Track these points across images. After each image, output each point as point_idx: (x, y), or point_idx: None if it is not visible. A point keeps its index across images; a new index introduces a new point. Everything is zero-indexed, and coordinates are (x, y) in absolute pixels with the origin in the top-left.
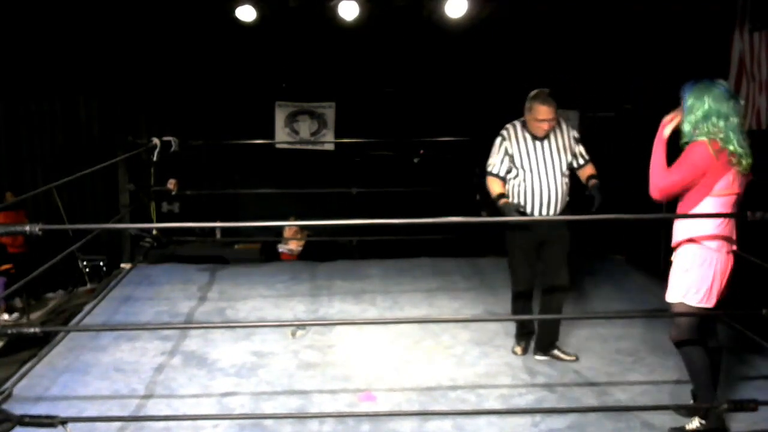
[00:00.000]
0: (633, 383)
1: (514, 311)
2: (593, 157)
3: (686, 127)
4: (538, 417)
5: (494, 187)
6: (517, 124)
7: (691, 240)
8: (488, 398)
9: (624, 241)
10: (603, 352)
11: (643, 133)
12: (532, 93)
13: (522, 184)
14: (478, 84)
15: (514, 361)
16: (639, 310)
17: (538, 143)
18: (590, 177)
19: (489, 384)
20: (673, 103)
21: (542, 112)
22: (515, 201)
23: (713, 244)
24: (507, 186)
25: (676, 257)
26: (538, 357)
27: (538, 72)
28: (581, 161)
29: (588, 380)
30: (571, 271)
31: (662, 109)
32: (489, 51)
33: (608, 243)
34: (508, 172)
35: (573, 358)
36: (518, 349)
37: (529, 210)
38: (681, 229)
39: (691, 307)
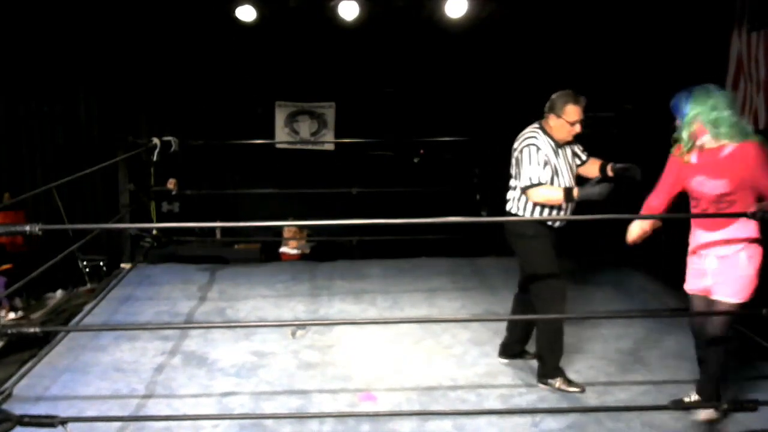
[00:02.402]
0: (633, 383)
1: (560, 326)
2: (594, 156)
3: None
4: (538, 417)
5: (549, 191)
6: (536, 131)
7: (754, 239)
8: (488, 398)
9: (623, 242)
10: (603, 352)
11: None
12: (561, 93)
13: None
14: (478, 84)
15: (514, 361)
16: (639, 310)
17: (560, 150)
18: (604, 164)
19: (489, 384)
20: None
21: (576, 113)
22: (545, 211)
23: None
24: (525, 200)
25: (736, 256)
26: (503, 360)
27: (538, 72)
28: (584, 157)
29: (588, 380)
30: (572, 272)
31: (662, 110)
32: (489, 51)
33: (608, 245)
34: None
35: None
36: (579, 387)
37: (554, 223)
38: (740, 227)
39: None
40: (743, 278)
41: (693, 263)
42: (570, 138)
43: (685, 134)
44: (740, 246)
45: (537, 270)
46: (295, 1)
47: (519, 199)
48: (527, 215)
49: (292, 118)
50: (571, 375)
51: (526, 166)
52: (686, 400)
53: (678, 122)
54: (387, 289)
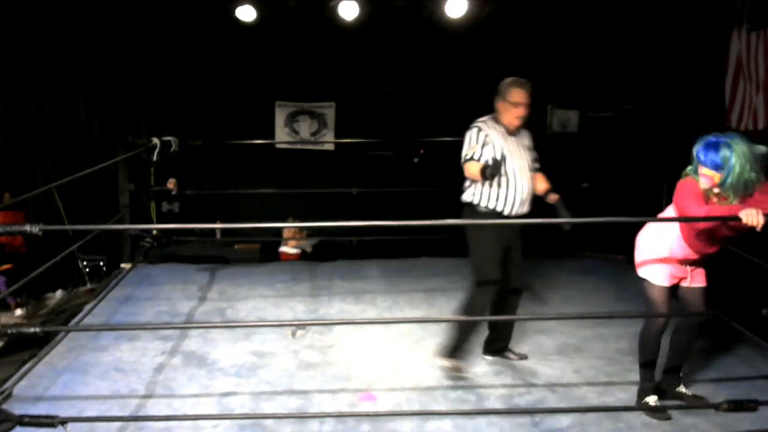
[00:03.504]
0: (633, 383)
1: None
2: (594, 156)
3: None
4: (538, 417)
5: (474, 168)
6: (486, 118)
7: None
8: (488, 398)
9: (624, 242)
10: (603, 352)
11: (643, 133)
12: (505, 80)
13: (502, 181)
14: (478, 84)
15: (514, 361)
16: (639, 310)
17: (511, 139)
18: (549, 191)
19: (489, 384)
20: (672, 103)
21: (518, 94)
22: (490, 200)
23: None
24: (482, 186)
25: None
26: (488, 357)
27: (538, 72)
28: (536, 165)
29: (588, 380)
30: (572, 272)
31: (662, 110)
32: (489, 51)
33: (608, 243)
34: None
35: (517, 357)
36: (465, 373)
37: (507, 211)
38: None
39: None
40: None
41: (672, 269)
42: (517, 121)
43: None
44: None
45: (476, 265)
46: (295, 1)
47: (470, 188)
48: (479, 204)
49: (292, 118)
50: (571, 375)
51: (465, 146)
52: (683, 391)
53: (715, 172)
54: (387, 289)
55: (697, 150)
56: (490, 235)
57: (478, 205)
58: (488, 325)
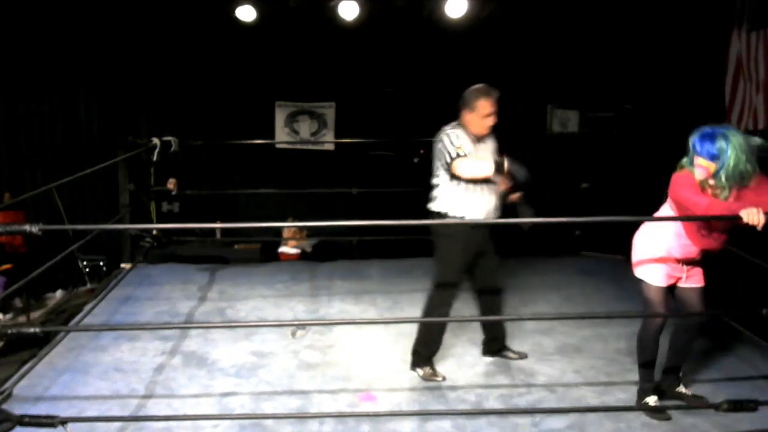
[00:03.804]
0: (633, 383)
1: (436, 327)
2: (594, 156)
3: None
4: (538, 417)
5: (474, 163)
6: (454, 125)
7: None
8: (488, 398)
9: (624, 242)
10: (603, 352)
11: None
12: (472, 89)
13: (470, 188)
14: (478, 84)
15: (514, 361)
16: (639, 310)
17: (479, 145)
18: (510, 190)
19: (489, 384)
20: (672, 103)
21: (488, 106)
22: (462, 209)
23: None
24: (452, 192)
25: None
26: (488, 358)
27: (538, 72)
28: None
29: (588, 380)
30: (572, 272)
31: (662, 110)
32: (489, 51)
33: (608, 243)
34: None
35: (517, 356)
36: (439, 376)
37: (479, 218)
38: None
39: None
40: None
41: (669, 268)
42: (486, 131)
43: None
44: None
45: (440, 271)
46: (295, 1)
47: (440, 197)
48: (450, 213)
49: (292, 118)
50: (571, 375)
51: (444, 150)
52: (683, 391)
53: (711, 162)
54: (387, 289)
55: (694, 140)
56: (459, 243)
57: (447, 214)
58: (482, 328)
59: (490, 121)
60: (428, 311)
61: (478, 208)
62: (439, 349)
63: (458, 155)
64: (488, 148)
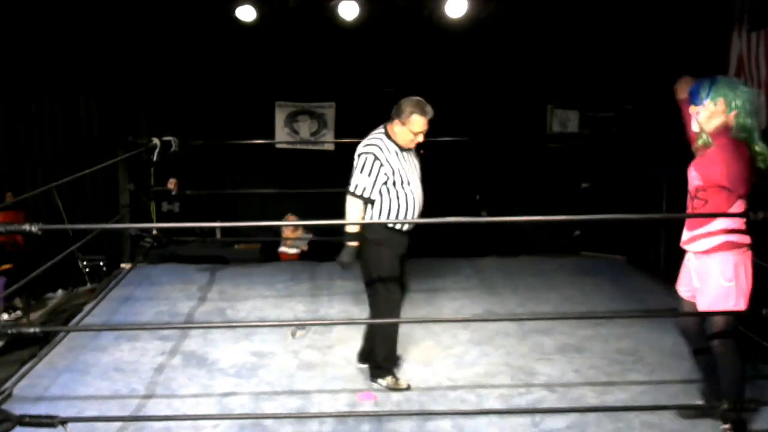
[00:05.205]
0: (633, 383)
1: (394, 333)
2: (594, 156)
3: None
4: (538, 417)
5: (355, 213)
6: (381, 136)
7: (730, 244)
8: (488, 398)
9: (625, 242)
10: (603, 352)
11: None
12: (409, 101)
13: (401, 197)
14: (478, 84)
15: (514, 361)
16: (639, 310)
17: (404, 154)
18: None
19: (489, 384)
20: (671, 103)
21: (420, 124)
22: (393, 215)
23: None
24: (383, 201)
25: (709, 261)
26: (361, 365)
27: (538, 72)
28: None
29: (588, 380)
30: (572, 272)
31: (662, 110)
32: (489, 51)
33: (608, 243)
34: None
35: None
36: (403, 383)
37: (407, 227)
38: (713, 226)
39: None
40: (719, 288)
41: (684, 261)
42: (412, 146)
43: (704, 115)
44: (714, 246)
45: (379, 279)
46: (295, 1)
47: (368, 211)
48: (375, 219)
49: (292, 118)
50: (571, 375)
51: (357, 173)
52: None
53: (697, 107)
54: None
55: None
56: (389, 251)
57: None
58: (364, 337)
59: (419, 138)
60: (384, 322)
61: (407, 217)
62: (396, 357)
63: (360, 195)
64: (412, 160)
